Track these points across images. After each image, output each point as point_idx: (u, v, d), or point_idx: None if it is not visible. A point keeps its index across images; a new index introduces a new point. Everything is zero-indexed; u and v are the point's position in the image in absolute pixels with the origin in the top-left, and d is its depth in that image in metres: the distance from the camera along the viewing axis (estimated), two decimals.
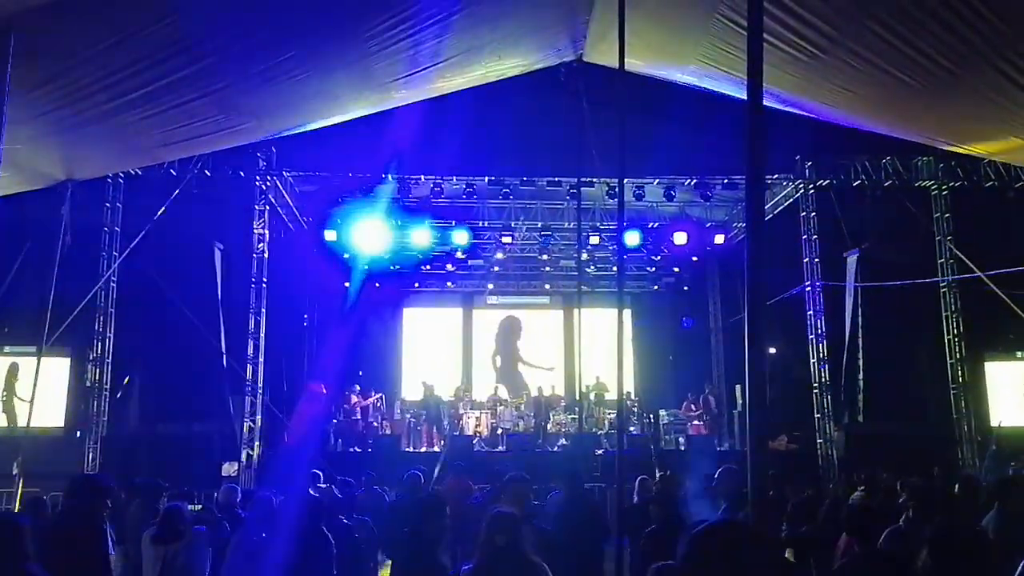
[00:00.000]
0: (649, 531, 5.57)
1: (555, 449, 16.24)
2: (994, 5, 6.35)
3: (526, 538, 4.09)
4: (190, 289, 14.44)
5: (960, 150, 11.71)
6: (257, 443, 14.41)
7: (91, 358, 14.62)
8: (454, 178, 15.44)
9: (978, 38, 6.78)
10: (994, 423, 15.15)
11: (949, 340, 15.30)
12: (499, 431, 16.93)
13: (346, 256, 17.64)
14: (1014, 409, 15.42)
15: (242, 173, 14.72)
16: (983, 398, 15.56)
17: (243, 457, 14.16)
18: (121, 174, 14.19)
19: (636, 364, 20.70)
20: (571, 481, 6.68)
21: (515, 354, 21.41)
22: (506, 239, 17.23)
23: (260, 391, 14.65)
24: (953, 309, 15.30)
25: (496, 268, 19.86)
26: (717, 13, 7.68)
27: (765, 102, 2.85)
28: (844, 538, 5.15)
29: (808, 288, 15.66)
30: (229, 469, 14.12)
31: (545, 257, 18.99)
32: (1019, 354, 15.66)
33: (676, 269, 19.98)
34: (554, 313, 22.03)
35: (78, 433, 14.76)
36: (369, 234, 15.61)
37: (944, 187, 15.28)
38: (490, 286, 21.01)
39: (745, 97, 2.80)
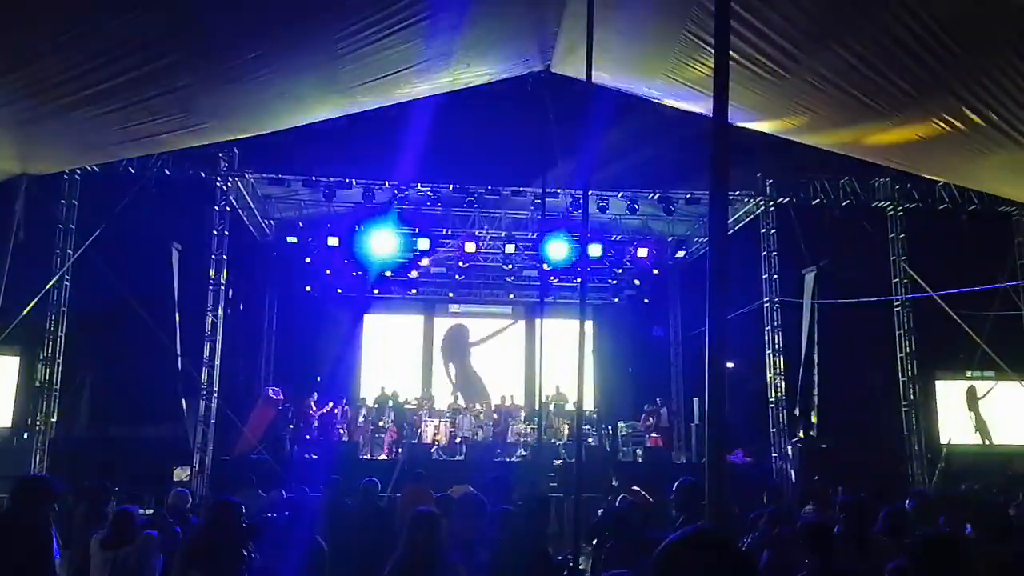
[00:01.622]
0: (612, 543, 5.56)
1: (514, 459, 16.22)
2: (953, 32, 6.51)
3: (444, 537, 4.34)
4: (146, 290, 14.17)
5: (915, 172, 12.00)
6: (211, 448, 14.16)
7: (41, 357, 14.27)
8: (418, 185, 15.39)
9: (937, 63, 6.94)
10: (943, 440, 15.44)
11: (901, 358, 15.57)
12: (458, 440, 16.88)
13: (308, 260, 17.51)
14: (963, 427, 15.73)
15: (203, 174, 14.52)
16: (933, 416, 15.85)
17: (196, 462, 13.91)
18: (78, 170, 13.92)
19: (596, 376, 20.78)
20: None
21: (469, 361, 21.40)
22: (469, 247, 17.21)
23: (215, 395, 14.41)
24: (906, 328, 15.58)
25: (459, 276, 19.81)
26: (684, 30, 7.76)
27: (729, 119, 2.88)
28: (766, 554, 5.18)
29: (767, 304, 15.87)
30: (181, 474, 13.86)
31: (508, 267, 18.99)
32: (969, 373, 15.96)
33: (637, 282, 20.11)
34: (516, 323, 22.01)
35: (25, 434, 14.38)
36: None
37: (899, 208, 15.60)
38: (451, 295, 20.93)
39: (710, 113, 2.83)
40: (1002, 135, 7.94)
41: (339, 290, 20.31)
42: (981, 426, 15.74)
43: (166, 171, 14.02)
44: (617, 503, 7.71)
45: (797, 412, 15.99)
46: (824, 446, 15.43)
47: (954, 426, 15.66)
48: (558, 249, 16.10)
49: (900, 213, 15.65)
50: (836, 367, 16.37)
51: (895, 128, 8.67)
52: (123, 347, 14.59)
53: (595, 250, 16.67)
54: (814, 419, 16.21)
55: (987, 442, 15.68)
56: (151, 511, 8.96)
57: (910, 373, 15.46)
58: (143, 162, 13.50)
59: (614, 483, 11.35)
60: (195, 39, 7.04)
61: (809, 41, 7.19)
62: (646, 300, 21.12)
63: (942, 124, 8.02)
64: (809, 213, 15.63)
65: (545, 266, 16.94)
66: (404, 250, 17.34)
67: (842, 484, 10.84)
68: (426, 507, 4.74)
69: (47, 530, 4.93)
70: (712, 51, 2.93)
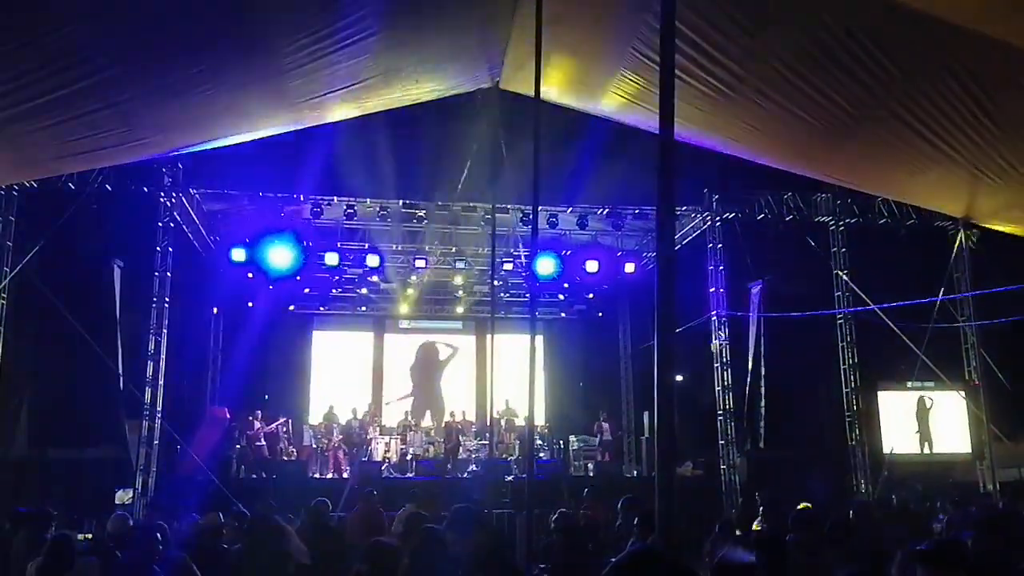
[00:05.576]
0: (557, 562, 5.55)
1: (465, 475, 16.13)
2: (891, 53, 6.71)
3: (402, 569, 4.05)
4: (86, 308, 13.78)
5: (855, 188, 12.30)
6: (154, 470, 13.80)
7: None
8: (368, 200, 15.27)
9: (876, 83, 7.14)
10: (886, 450, 15.77)
11: (844, 370, 15.88)
12: (408, 457, 16.73)
13: (251, 276, 17.15)
14: (905, 437, 16.10)
15: (146, 189, 14.20)
16: (876, 426, 16.18)
17: (138, 485, 13.53)
18: (15, 186, 13.50)
19: (547, 390, 20.81)
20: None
21: (436, 378, 21.32)
22: (420, 263, 17.14)
23: (159, 415, 14.05)
24: (848, 340, 15.90)
25: (409, 292, 19.68)
26: (631, 48, 7.87)
27: (675, 136, 2.92)
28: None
29: (714, 318, 16.07)
30: (123, 497, 13.48)
31: (459, 281, 18.95)
32: (909, 384, 16.34)
33: (591, 295, 20.19)
34: (466, 339, 21.96)
35: None
36: (279, 255, 15.16)
37: (841, 223, 15.95)
38: (403, 309, 20.77)
39: (657, 130, 2.86)
40: (937, 152, 8.20)
41: (292, 307, 20.05)
42: (927, 435, 16.14)
43: (107, 186, 13.67)
44: (553, 519, 7.46)
45: (745, 424, 16.20)
46: (771, 456, 15.66)
47: (896, 436, 16.01)
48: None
49: (842, 228, 16.00)
50: (783, 379, 16.65)
51: (836, 145, 8.90)
52: (63, 367, 14.17)
53: (548, 265, 16.52)
54: (762, 430, 16.45)
55: (927, 450, 16.07)
56: (90, 535, 8.70)
57: (853, 384, 15.77)
58: (83, 177, 13.15)
59: (585, 494, 11.29)
60: (137, 52, 6.91)
61: (751, 60, 7.35)
62: (600, 313, 21.24)
63: (879, 141, 8.24)
64: (754, 228, 15.88)
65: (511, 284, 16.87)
66: (353, 266, 17.09)
67: (789, 494, 10.98)
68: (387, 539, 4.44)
69: None
70: (658, 68, 2.96)
